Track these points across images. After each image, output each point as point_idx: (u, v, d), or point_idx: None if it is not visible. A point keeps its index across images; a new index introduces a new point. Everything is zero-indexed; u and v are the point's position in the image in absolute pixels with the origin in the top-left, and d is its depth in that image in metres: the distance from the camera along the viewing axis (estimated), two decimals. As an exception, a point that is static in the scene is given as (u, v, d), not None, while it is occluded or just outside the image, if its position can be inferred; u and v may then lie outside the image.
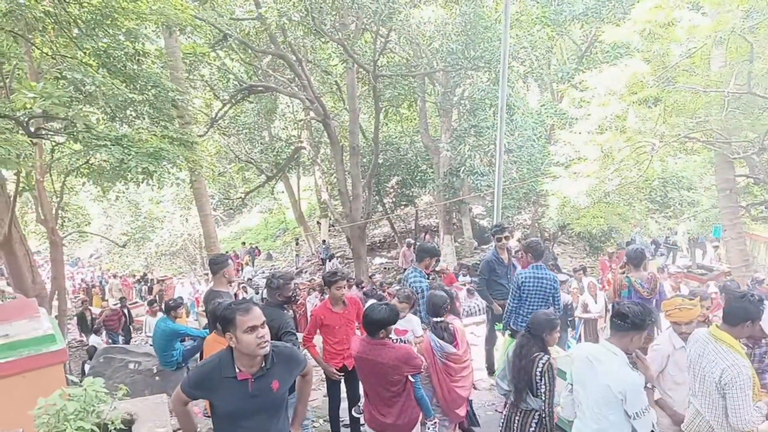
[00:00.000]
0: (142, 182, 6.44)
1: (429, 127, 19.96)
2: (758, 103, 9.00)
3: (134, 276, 23.28)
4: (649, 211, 14.14)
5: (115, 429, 2.71)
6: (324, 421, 5.77)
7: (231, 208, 23.08)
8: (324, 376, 5.39)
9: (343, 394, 5.37)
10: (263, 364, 2.74)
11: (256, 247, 27.83)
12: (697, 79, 9.44)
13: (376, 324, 3.66)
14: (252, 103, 19.27)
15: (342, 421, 5.56)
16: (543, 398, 3.65)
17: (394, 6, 12.18)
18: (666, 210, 15.31)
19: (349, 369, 5.08)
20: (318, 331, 5.13)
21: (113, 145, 5.87)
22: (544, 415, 3.68)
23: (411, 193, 21.68)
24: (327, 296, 5.30)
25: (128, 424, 2.84)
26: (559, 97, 20.76)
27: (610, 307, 8.36)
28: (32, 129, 6.73)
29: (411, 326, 4.73)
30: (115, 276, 23.74)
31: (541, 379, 3.63)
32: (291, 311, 5.10)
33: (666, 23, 8.48)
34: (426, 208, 24.94)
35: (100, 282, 21.95)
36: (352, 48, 14.14)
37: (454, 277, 12.57)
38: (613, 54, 15.38)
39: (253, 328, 2.62)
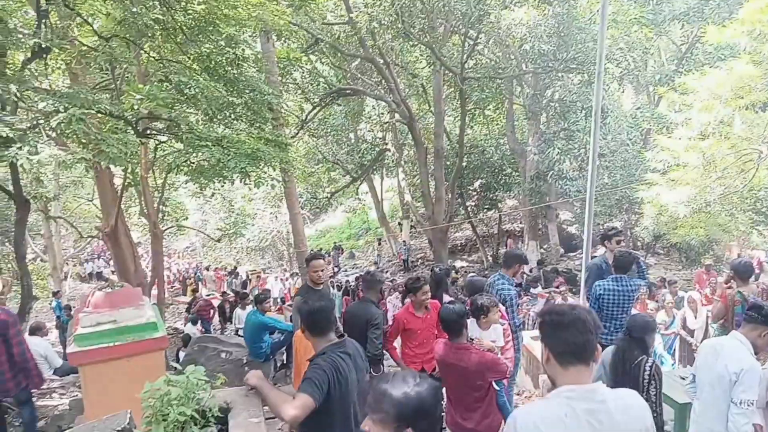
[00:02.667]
0: (241, 181, 6.75)
1: (516, 129, 19.59)
2: None
3: (225, 269, 24.43)
4: (753, 223, 13.09)
5: (212, 416, 2.86)
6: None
7: (318, 207, 23.71)
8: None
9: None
10: None
11: (340, 245, 28.40)
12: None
13: (455, 323, 3.67)
14: (340, 105, 19.69)
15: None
16: (653, 400, 3.53)
17: (484, 8, 12.04)
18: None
19: (429, 372, 5.10)
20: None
21: (214, 145, 6.21)
22: (655, 415, 3.53)
23: (495, 197, 21.32)
24: (409, 300, 5.32)
25: (224, 412, 2.98)
26: (655, 101, 19.77)
27: (711, 324, 7.88)
28: (140, 129, 7.24)
29: (496, 335, 4.63)
30: (207, 268, 25.03)
31: (650, 383, 3.54)
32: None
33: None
34: (510, 213, 24.46)
35: (195, 273, 23.18)
36: (440, 51, 14.12)
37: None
38: (717, 56, 14.48)
39: None
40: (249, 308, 12.82)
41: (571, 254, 20.35)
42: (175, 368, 3.14)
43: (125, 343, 4.59)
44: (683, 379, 4.85)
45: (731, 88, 8.33)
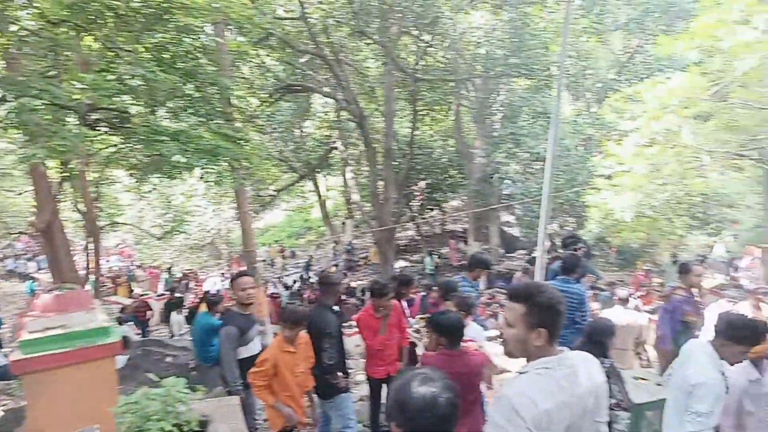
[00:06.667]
0: (201, 178, 6.42)
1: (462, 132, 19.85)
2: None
3: (159, 268, 23.38)
4: (689, 228, 13.87)
5: (190, 430, 2.68)
6: (364, 425, 5.71)
7: (261, 205, 23.13)
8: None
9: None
10: None
11: (281, 246, 27.89)
12: (753, 95, 9.21)
13: (457, 329, 3.51)
14: (288, 101, 19.30)
15: (382, 426, 5.53)
16: (617, 398, 3.63)
17: (440, 11, 12.09)
18: (706, 227, 15.02)
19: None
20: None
21: (171, 140, 5.88)
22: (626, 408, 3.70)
23: (438, 198, 21.51)
24: (369, 302, 5.22)
25: (203, 425, 2.80)
26: (593, 107, 20.58)
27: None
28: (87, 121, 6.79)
29: (474, 333, 4.57)
30: (140, 266, 23.93)
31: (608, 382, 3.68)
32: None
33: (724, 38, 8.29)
34: (452, 214, 24.76)
35: (128, 272, 22.09)
36: (393, 50, 14.08)
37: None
38: (656, 66, 15.22)
39: None
40: (184, 312, 12.42)
41: (511, 255, 20.83)
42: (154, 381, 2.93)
43: (74, 349, 4.28)
44: (635, 378, 4.99)
45: (679, 99, 8.71)
